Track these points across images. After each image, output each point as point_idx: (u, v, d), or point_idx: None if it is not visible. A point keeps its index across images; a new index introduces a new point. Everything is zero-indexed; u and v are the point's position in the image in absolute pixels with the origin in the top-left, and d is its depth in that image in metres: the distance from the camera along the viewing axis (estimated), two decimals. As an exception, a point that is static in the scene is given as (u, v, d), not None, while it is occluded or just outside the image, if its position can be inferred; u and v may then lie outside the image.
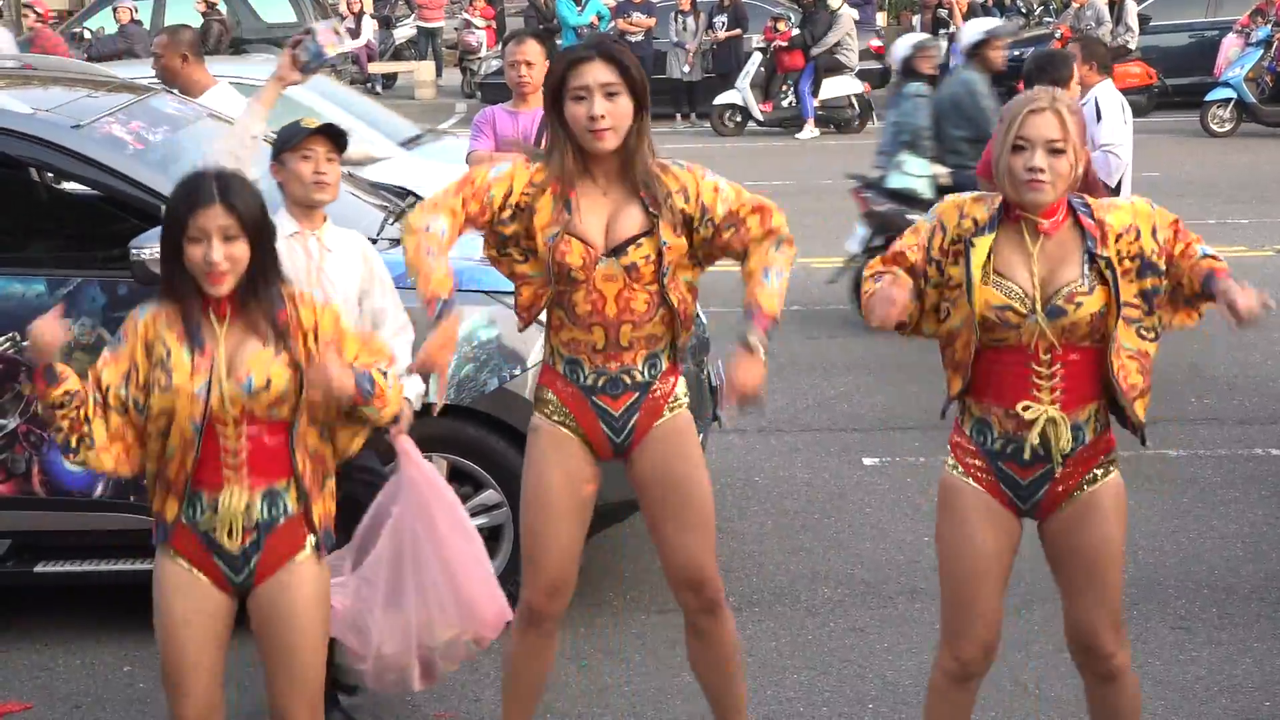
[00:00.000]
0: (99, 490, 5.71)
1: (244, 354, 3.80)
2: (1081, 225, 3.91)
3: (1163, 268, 3.91)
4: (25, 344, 4.54)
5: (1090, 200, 3.98)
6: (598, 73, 4.18)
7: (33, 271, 5.83)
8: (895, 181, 10.27)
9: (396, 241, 6.08)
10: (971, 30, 10.52)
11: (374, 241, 5.99)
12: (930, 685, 4.22)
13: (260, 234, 3.80)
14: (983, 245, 3.90)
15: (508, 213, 4.28)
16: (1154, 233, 3.92)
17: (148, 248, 5.44)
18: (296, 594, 3.91)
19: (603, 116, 4.15)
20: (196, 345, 3.79)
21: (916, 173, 10.18)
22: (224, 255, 3.72)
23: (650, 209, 4.24)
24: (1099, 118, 8.58)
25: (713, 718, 4.71)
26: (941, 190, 10.02)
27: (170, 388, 3.78)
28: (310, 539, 3.94)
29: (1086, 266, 3.87)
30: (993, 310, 3.88)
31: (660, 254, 4.23)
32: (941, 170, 10.08)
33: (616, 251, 4.24)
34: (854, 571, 6.46)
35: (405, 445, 4.81)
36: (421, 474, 4.74)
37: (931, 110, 10.09)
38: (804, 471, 7.68)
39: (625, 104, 4.19)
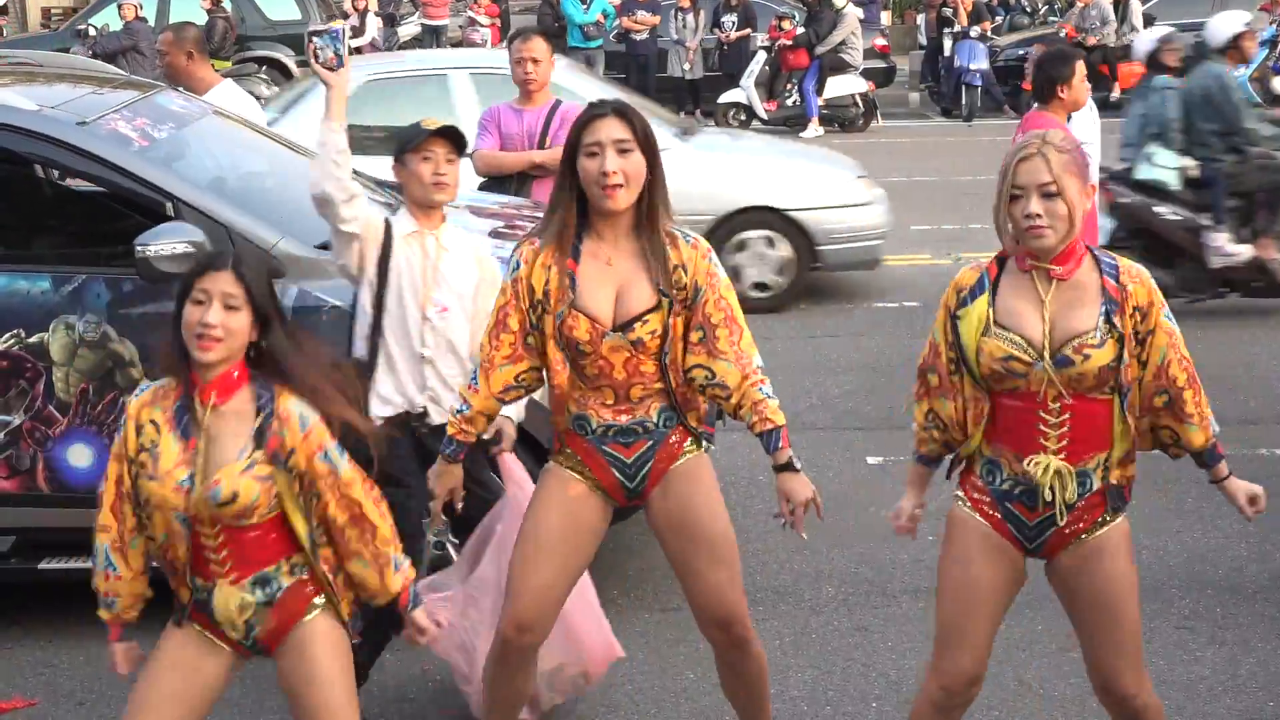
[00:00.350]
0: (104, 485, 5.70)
1: (217, 455, 3.68)
2: (1105, 285, 3.90)
3: (1150, 368, 3.95)
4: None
5: (1121, 263, 3.96)
6: (611, 129, 4.17)
7: (37, 268, 5.83)
8: (1143, 173, 10.18)
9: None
10: (1224, 24, 10.43)
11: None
12: (915, 709, 4.21)
13: (265, 319, 3.71)
14: (972, 313, 3.92)
15: (536, 312, 4.31)
16: (1148, 317, 3.92)
17: (153, 245, 5.46)
18: (311, 655, 3.84)
19: (615, 173, 4.14)
20: (183, 433, 3.70)
21: (1165, 165, 10.11)
22: (220, 320, 3.62)
23: (661, 287, 4.23)
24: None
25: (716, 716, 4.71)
26: (1189, 183, 10.05)
27: (155, 476, 3.70)
28: (319, 599, 3.85)
29: (1102, 320, 3.87)
30: (998, 361, 3.89)
31: (666, 331, 4.24)
32: (1190, 163, 10.05)
33: (623, 328, 4.24)
34: (858, 570, 6.46)
35: (509, 464, 4.83)
36: (526, 495, 4.69)
37: (1181, 102, 10.05)
38: (807, 470, 7.51)
39: (638, 161, 4.19)
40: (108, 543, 3.82)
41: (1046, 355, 3.86)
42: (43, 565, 5.78)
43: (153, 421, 3.72)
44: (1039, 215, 3.80)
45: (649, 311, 4.22)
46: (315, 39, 5.09)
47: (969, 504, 4.06)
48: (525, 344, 4.31)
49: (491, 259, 5.18)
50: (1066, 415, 3.90)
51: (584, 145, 4.18)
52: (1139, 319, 3.89)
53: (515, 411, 4.98)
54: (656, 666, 5.60)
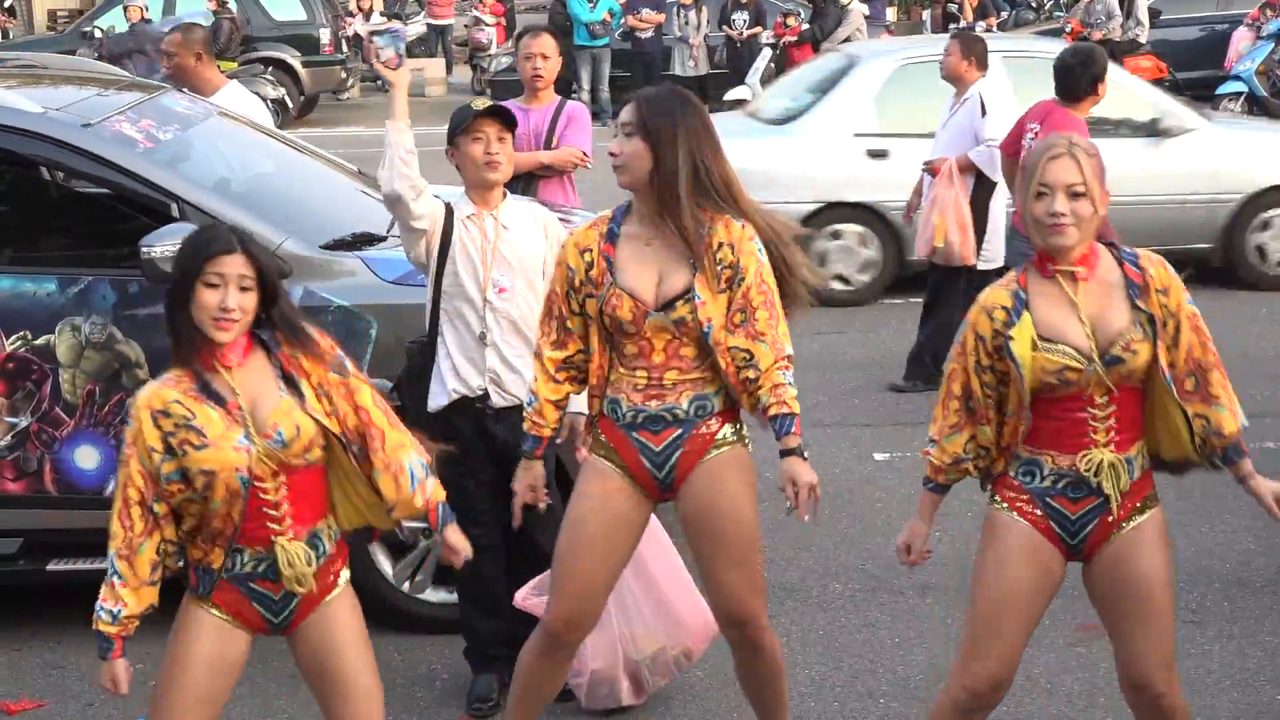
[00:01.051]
0: (111, 488, 5.70)
1: (265, 406, 3.77)
2: (1125, 272, 3.94)
3: (1180, 349, 3.94)
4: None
5: (1139, 251, 4.01)
6: (622, 114, 4.36)
7: (43, 270, 5.85)
8: None
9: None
10: None
11: (383, 239, 6.01)
12: (936, 708, 4.18)
13: (271, 291, 3.79)
14: (1021, 331, 3.93)
15: (578, 296, 4.40)
16: (1168, 295, 3.94)
17: (158, 245, 5.46)
18: (344, 623, 3.89)
19: (618, 154, 4.32)
20: (217, 400, 3.75)
21: None
22: (238, 303, 3.71)
23: (693, 263, 4.31)
24: (983, 113, 8.63)
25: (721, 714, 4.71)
26: None
27: (208, 444, 3.72)
28: (344, 574, 3.92)
29: (1135, 311, 3.91)
30: (1051, 374, 3.90)
31: (695, 309, 4.28)
32: None
33: (665, 308, 4.30)
34: (865, 566, 6.46)
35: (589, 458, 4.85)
36: None
37: None
38: (815, 467, 7.58)
39: (637, 144, 4.29)
40: (114, 550, 3.82)
41: (1096, 358, 3.87)
42: (50, 567, 5.79)
43: (177, 401, 3.75)
44: (1063, 214, 3.83)
45: (688, 291, 4.28)
46: (376, 39, 5.12)
47: (1007, 506, 4.04)
48: (566, 329, 4.41)
49: (557, 225, 5.19)
50: (1113, 408, 3.93)
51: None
52: (1164, 299, 3.92)
53: (581, 406, 4.95)
54: (664, 664, 5.60)
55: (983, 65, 8.80)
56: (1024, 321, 3.93)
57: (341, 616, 3.90)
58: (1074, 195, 3.84)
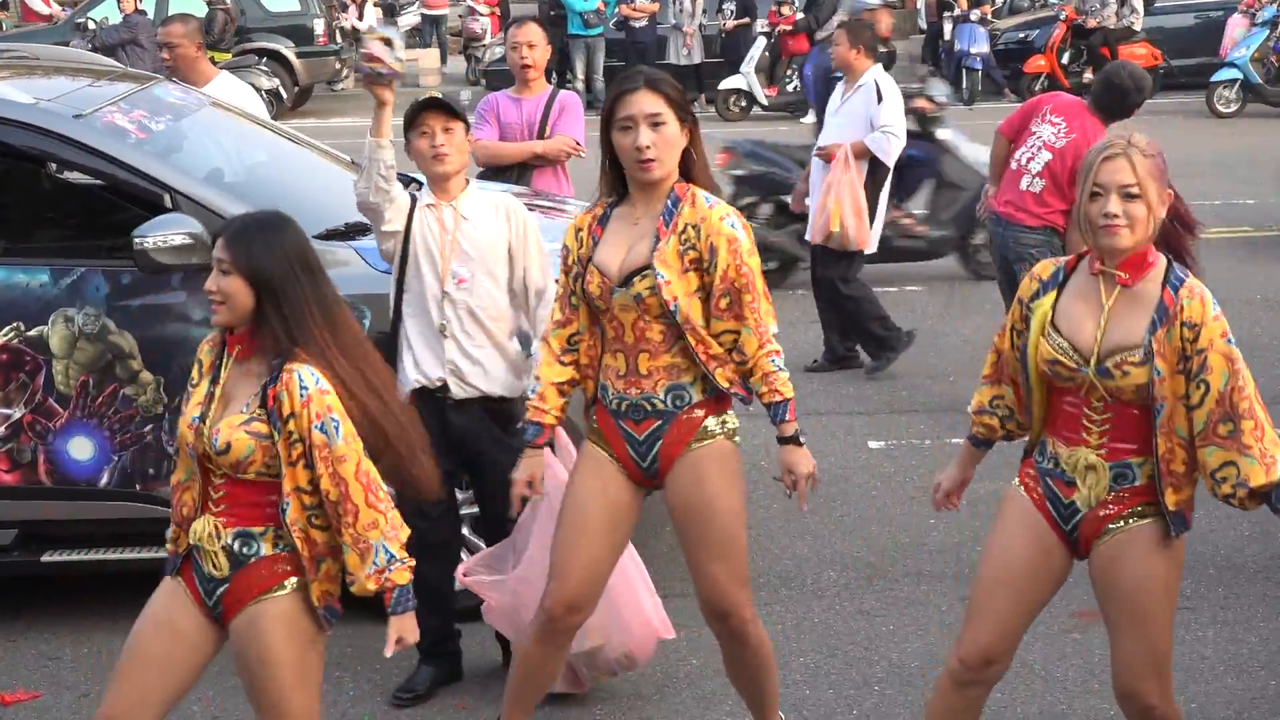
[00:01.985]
0: (105, 479, 5.72)
1: (227, 405, 3.83)
2: (1163, 295, 3.84)
3: (1207, 389, 3.79)
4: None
5: (1189, 278, 3.87)
6: (643, 103, 4.25)
7: (36, 261, 5.83)
8: None
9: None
10: None
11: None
12: (936, 682, 4.21)
13: (264, 289, 3.79)
14: (1041, 307, 3.93)
15: (573, 274, 4.43)
16: (1199, 335, 3.80)
17: (150, 237, 5.46)
18: (263, 630, 3.81)
19: (649, 147, 4.22)
20: (214, 379, 3.87)
21: None
22: (215, 285, 3.80)
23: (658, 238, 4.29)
24: (880, 99, 8.69)
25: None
26: None
27: (182, 412, 3.89)
28: (291, 580, 3.83)
29: (1148, 334, 3.83)
30: (1045, 363, 3.91)
31: (657, 288, 4.25)
32: None
33: (625, 282, 4.29)
34: (860, 555, 6.46)
35: (560, 438, 4.86)
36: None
37: None
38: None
39: (672, 132, 4.26)
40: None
41: (1092, 363, 3.86)
42: (45, 558, 5.78)
43: (199, 361, 3.91)
44: (1117, 215, 3.79)
45: (646, 267, 4.26)
46: (364, 65, 5.10)
47: (1019, 483, 4.07)
48: (571, 305, 4.43)
49: (521, 210, 5.17)
50: (1109, 415, 3.90)
51: (617, 120, 4.28)
52: (1189, 334, 3.79)
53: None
54: (659, 652, 5.58)
55: (871, 52, 8.90)
56: (1046, 299, 3.93)
57: (266, 622, 3.81)
58: (1128, 196, 3.79)
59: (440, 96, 5.08)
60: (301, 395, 3.73)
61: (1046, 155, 7.63)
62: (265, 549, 3.82)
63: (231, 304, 3.80)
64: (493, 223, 5.09)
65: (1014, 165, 7.81)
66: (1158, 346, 3.80)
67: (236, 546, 3.82)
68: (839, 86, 9.07)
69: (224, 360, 3.87)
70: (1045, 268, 4.03)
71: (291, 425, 3.73)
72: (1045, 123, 7.73)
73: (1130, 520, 3.93)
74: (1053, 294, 3.94)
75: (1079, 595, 5.08)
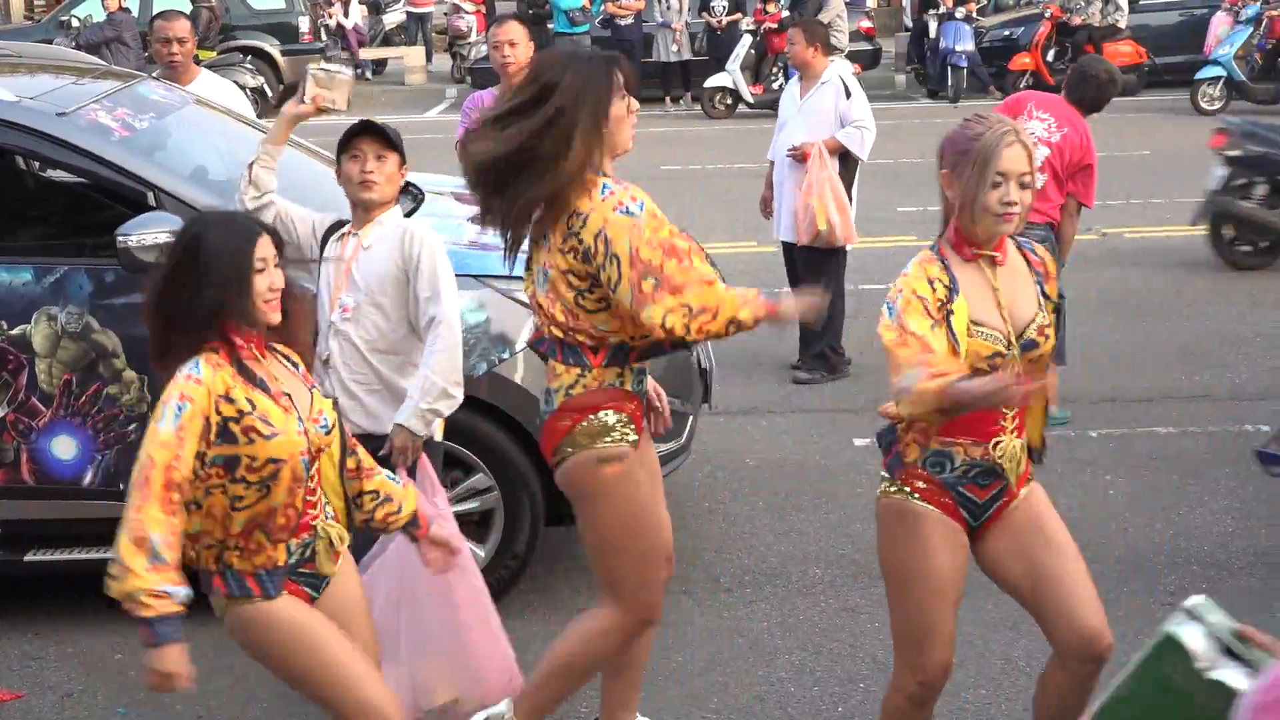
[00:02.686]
0: (88, 478, 5.71)
1: (299, 393, 3.84)
2: (1027, 259, 4.05)
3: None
4: None
5: (1026, 240, 4.12)
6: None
7: (19, 260, 5.81)
8: None
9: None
10: None
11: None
12: (886, 708, 4.17)
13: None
14: (960, 306, 3.93)
15: None
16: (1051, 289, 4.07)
17: (134, 235, 5.44)
18: (352, 605, 4.03)
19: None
20: (262, 387, 3.76)
21: None
22: (278, 282, 3.79)
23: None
24: (848, 94, 8.80)
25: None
26: None
27: (276, 433, 3.71)
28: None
29: (1042, 298, 4.01)
30: (984, 360, 3.89)
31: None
32: None
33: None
34: (845, 551, 6.47)
35: (405, 478, 4.76)
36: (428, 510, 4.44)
37: None
38: (795, 453, 7.68)
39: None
40: (159, 535, 3.56)
41: (1014, 341, 3.92)
42: (28, 558, 5.77)
43: (237, 388, 3.71)
44: (1015, 203, 3.85)
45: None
46: (319, 72, 5.09)
47: (915, 494, 4.01)
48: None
49: (421, 237, 4.91)
50: None
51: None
52: (1050, 282, 4.06)
53: (407, 416, 4.79)
54: (644, 650, 5.60)
55: (828, 49, 9.05)
56: (961, 300, 3.92)
57: (351, 588, 4.02)
58: (1024, 185, 3.86)
59: (379, 124, 4.96)
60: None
61: (1044, 150, 7.66)
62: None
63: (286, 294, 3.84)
64: (389, 251, 4.90)
65: None
66: (1051, 296, 4.02)
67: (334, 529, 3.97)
68: (794, 85, 9.12)
69: (256, 367, 3.78)
70: (932, 268, 3.93)
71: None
72: (1033, 119, 7.77)
73: (1021, 493, 4.08)
74: (962, 295, 3.92)
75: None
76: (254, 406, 3.70)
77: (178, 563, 3.60)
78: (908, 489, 4.01)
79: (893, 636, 4.14)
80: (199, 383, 3.66)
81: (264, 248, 3.75)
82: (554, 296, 4.15)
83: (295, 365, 3.93)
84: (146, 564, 3.53)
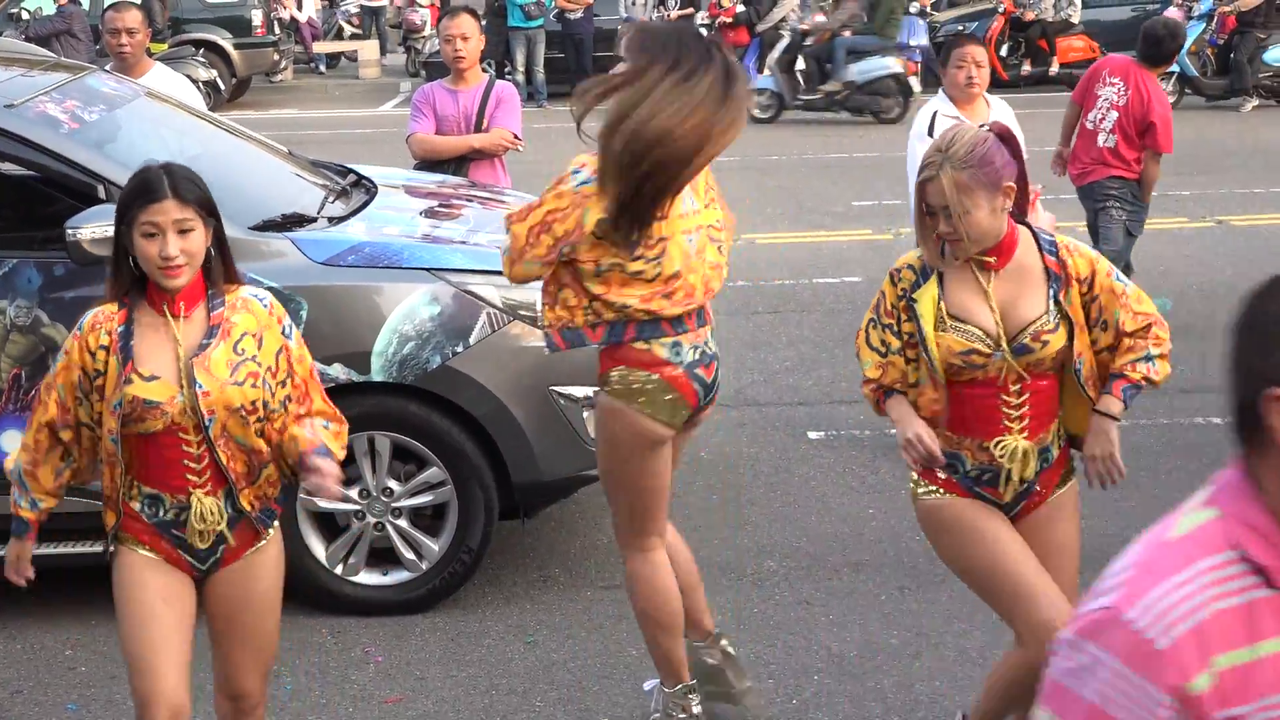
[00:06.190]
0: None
1: (204, 359, 3.76)
2: (1046, 263, 3.96)
3: (1110, 328, 3.99)
4: None
5: (1060, 240, 4.01)
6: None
7: (-33, 254, 5.75)
8: None
9: (335, 219, 6.05)
10: None
11: (314, 220, 5.97)
12: (1010, 682, 4.11)
13: (216, 223, 3.84)
14: (926, 296, 3.94)
15: None
16: (1093, 284, 3.98)
17: (84, 228, 5.39)
18: (259, 576, 3.97)
19: None
20: (125, 352, 3.76)
21: None
22: (179, 249, 3.70)
23: None
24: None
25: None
26: None
27: (140, 390, 3.73)
28: (274, 525, 4.00)
29: (1053, 304, 3.93)
30: (957, 356, 3.91)
31: None
32: None
33: None
34: (799, 544, 6.48)
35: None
36: None
37: None
38: (749, 446, 7.69)
39: None
40: (24, 462, 3.91)
41: (1004, 344, 3.90)
42: (-23, 553, 5.71)
43: (103, 347, 3.75)
44: (950, 231, 3.85)
45: None
46: None
47: (944, 490, 4.05)
48: None
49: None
50: (1027, 395, 3.96)
51: None
52: (1084, 289, 3.96)
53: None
54: (600, 643, 5.60)
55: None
56: (929, 289, 3.93)
57: (264, 569, 3.98)
58: (948, 215, 3.82)
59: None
60: (264, 305, 3.89)
61: (1115, 115, 8.57)
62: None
63: (195, 259, 3.75)
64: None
65: (1089, 126, 8.71)
66: (1067, 309, 3.93)
67: (228, 510, 3.89)
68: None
69: (164, 326, 3.76)
70: (908, 259, 4.01)
71: (266, 340, 3.84)
72: (1106, 85, 8.67)
73: (1055, 492, 4.10)
74: (934, 284, 3.94)
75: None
76: (105, 368, 3.76)
77: (39, 488, 3.91)
78: (930, 485, 4.07)
79: (1005, 620, 4.12)
80: (76, 337, 3.79)
81: (160, 212, 3.68)
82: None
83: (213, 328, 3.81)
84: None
